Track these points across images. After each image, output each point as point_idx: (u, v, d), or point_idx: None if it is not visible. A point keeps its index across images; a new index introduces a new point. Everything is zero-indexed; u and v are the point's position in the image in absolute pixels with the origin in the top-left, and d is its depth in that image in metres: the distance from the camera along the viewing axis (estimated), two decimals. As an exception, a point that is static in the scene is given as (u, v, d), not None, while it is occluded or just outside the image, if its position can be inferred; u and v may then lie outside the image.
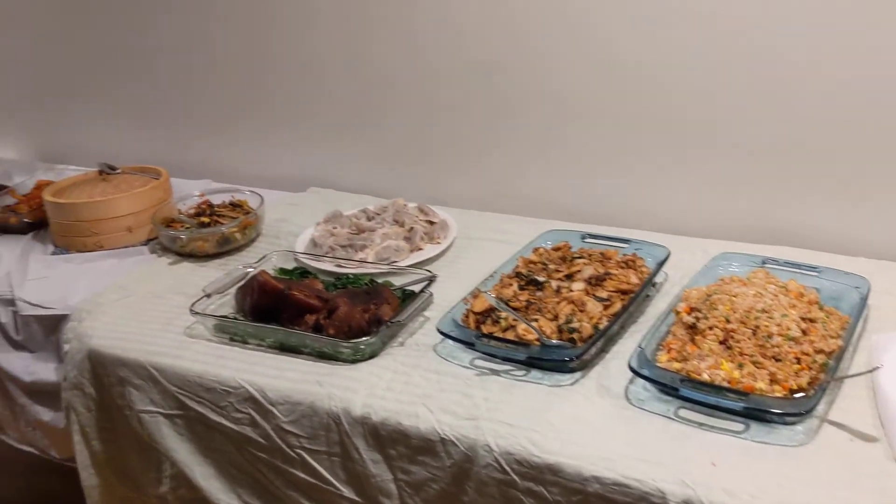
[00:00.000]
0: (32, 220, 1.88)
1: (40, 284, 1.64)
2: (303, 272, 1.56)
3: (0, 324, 1.62)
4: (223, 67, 2.05)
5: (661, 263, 1.37)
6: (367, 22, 1.82)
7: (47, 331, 1.57)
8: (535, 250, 1.45)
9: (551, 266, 1.38)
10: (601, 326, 1.20)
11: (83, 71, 2.24)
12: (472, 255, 1.58)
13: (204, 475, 1.33)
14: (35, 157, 2.42)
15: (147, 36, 2.10)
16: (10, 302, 1.60)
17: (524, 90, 1.70)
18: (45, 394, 1.59)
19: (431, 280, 1.39)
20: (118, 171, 1.94)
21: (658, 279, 1.38)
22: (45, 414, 1.61)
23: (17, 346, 1.62)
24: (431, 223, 1.67)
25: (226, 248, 1.70)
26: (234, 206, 1.81)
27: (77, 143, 2.34)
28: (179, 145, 2.20)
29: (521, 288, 1.32)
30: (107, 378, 1.39)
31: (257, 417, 1.23)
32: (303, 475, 1.22)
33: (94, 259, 1.73)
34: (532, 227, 1.63)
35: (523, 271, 1.36)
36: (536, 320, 1.20)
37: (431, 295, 1.37)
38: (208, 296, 1.44)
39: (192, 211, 1.80)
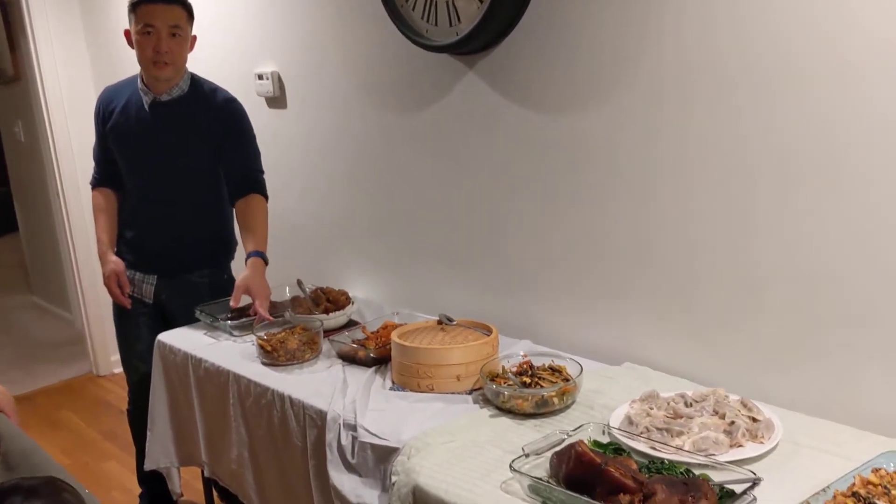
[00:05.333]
0: (377, 356, 2.13)
1: (378, 416, 1.83)
2: (617, 448, 1.58)
3: (340, 445, 1.83)
4: (553, 243, 2.21)
5: None
6: (692, 204, 1.88)
7: (378, 459, 1.74)
8: (876, 471, 1.34)
9: (894, 491, 1.26)
10: (958, 575, 1.07)
11: (432, 235, 2.55)
12: (798, 463, 1.49)
13: None
14: (384, 299, 2.76)
15: (490, 213, 2.35)
16: (353, 427, 1.81)
17: (870, 291, 1.63)
18: (366, 518, 1.75)
19: (756, 482, 1.34)
20: (454, 322, 2.15)
21: None
22: (363, 537, 1.76)
23: (351, 468, 1.81)
24: (755, 420, 1.61)
25: (542, 409, 1.78)
26: (554, 370, 1.90)
27: (421, 293, 2.63)
28: (507, 306, 2.37)
29: (858, 511, 1.22)
30: (426, 516, 1.50)
31: (563, 588, 1.25)
32: None
33: (425, 400, 1.90)
34: (870, 443, 1.51)
35: (861, 492, 1.26)
36: (878, 552, 1.11)
37: (755, 499, 1.31)
38: (526, 455, 1.51)
39: (515, 369, 1.92)
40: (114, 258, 2.61)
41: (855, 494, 1.26)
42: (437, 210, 2.51)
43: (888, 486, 1.29)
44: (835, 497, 1.27)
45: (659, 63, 1.87)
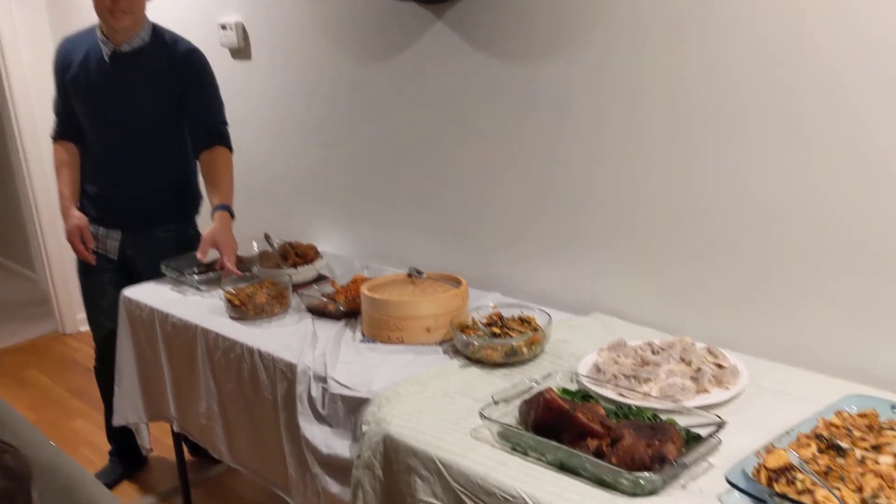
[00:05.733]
0: (346, 310, 2.12)
1: (348, 367, 1.83)
2: (585, 395, 1.59)
3: (311, 397, 1.83)
4: (522, 194, 2.20)
5: None
6: (663, 164, 1.88)
7: (349, 410, 1.74)
8: (838, 413, 1.37)
9: (856, 433, 1.29)
10: (914, 510, 1.10)
11: (400, 190, 2.54)
12: (762, 407, 1.52)
13: (471, 578, 1.37)
14: (353, 254, 2.74)
15: (460, 167, 2.33)
16: (323, 379, 1.81)
17: (830, 236, 1.65)
18: (336, 467, 1.75)
19: (721, 426, 1.36)
20: (424, 275, 2.14)
21: (984, 469, 1.23)
22: (333, 486, 1.77)
23: (321, 419, 1.81)
24: (721, 367, 1.64)
25: (512, 359, 1.79)
26: (523, 320, 1.91)
27: (389, 248, 2.61)
28: (476, 258, 2.37)
29: (821, 451, 1.24)
30: (396, 464, 1.51)
31: (533, 532, 1.27)
32: None
33: (396, 351, 1.90)
34: (831, 388, 1.54)
35: (824, 434, 1.28)
36: (838, 489, 1.13)
37: (720, 442, 1.34)
38: (496, 403, 1.52)
39: (484, 320, 1.92)
40: (77, 213, 2.56)
41: (818, 436, 1.29)
42: (407, 163, 2.49)
43: (850, 427, 1.31)
44: (798, 439, 1.29)
45: (616, 8, 1.86)
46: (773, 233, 1.73)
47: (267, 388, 1.95)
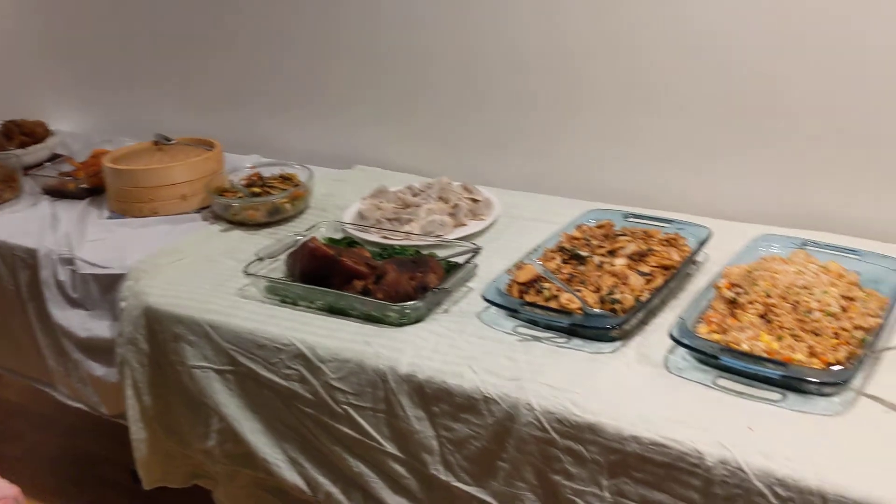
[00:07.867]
0: (89, 186, 1.95)
1: (98, 246, 1.71)
2: (350, 242, 1.61)
3: (58, 282, 1.69)
4: (275, 52, 2.10)
5: (703, 242, 1.39)
6: (418, 7, 1.86)
7: (104, 289, 1.63)
8: (579, 227, 1.48)
9: (594, 242, 1.41)
10: (643, 299, 1.23)
11: (140, 52, 2.32)
12: (514, 232, 1.62)
13: (251, 430, 1.38)
14: (91, 130, 2.50)
15: (204, 22, 2.16)
16: (69, 261, 1.67)
17: (560, 76, 1.75)
18: (99, 350, 1.66)
19: (476, 252, 1.43)
20: (173, 141, 2.01)
21: (699, 258, 1.41)
22: (98, 369, 1.67)
23: (74, 303, 1.69)
24: (475, 201, 1.71)
25: (275, 217, 1.75)
26: (285, 178, 1.87)
27: (132, 120, 2.41)
28: (229, 124, 2.25)
29: (564, 262, 1.35)
30: (161, 334, 1.45)
31: (306, 374, 1.29)
32: (348, 430, 1.27)
33: (150, 224, 1.79)
34: (575, 208, 1.65)
35: (566, 246, 1.39)
36: (579, 291, 1.24)
37: (476, 266, 1.41)
38: (261, 259, 1.49)
39: (243, 182, 1.85)
40: None
41: (562, 249, 1.39)
42: (142, 19, 2.26)
43: (589, 238, 1.43)
44: (545, 254, 1.40)
45: None
46: (529, 74, 1.79)
47: (7, 278, 1.77)
